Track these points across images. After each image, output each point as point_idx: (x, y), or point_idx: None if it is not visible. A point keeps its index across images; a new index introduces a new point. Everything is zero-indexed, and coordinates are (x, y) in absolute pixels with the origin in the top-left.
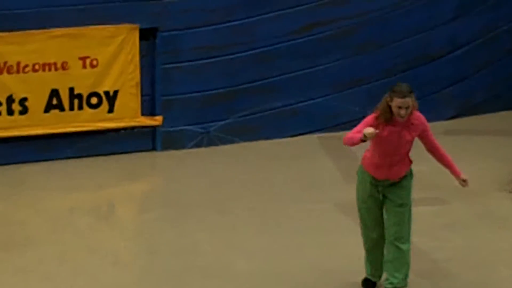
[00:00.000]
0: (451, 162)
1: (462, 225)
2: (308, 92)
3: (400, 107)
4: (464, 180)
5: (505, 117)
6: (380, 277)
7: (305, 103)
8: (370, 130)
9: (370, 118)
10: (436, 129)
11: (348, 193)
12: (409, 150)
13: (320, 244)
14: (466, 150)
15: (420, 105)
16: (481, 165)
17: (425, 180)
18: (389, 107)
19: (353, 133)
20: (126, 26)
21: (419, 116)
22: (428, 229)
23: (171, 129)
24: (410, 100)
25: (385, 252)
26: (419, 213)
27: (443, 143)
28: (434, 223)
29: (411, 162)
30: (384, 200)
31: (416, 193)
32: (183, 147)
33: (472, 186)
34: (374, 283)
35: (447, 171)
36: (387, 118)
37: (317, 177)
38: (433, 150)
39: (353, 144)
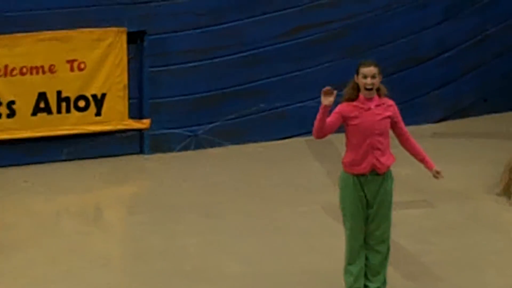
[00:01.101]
0: (424, 154)
1: (450, 228)
2: (297, 95)
3: (365, 76)
4: (438, 172)
5: (493, 120)
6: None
7: (294, 106)
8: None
9: (339, 106)
10: (424, 131)
11: (337, 195)
12: (388, 131)
13: (309, 246)
14: (454, 153)
15: (408, 108)
16: (469, 167)
17: (412, 183)
18: (357, 85)
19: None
20: (114, 29)
21: (390, 100)
22: (416, 232)
23: (159, 132)
24: (375, 70)
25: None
26: (406, 216)
27: (431, 146)
28: (422, 226)
29: (393, 158)
30: (368, 207)
31: (403, 196)
32: (171, 150)
33: (460, 189)
34: None
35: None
36: (354, 95)
37: (306, 180)
38: (406, 142)
39: (320, 126)
